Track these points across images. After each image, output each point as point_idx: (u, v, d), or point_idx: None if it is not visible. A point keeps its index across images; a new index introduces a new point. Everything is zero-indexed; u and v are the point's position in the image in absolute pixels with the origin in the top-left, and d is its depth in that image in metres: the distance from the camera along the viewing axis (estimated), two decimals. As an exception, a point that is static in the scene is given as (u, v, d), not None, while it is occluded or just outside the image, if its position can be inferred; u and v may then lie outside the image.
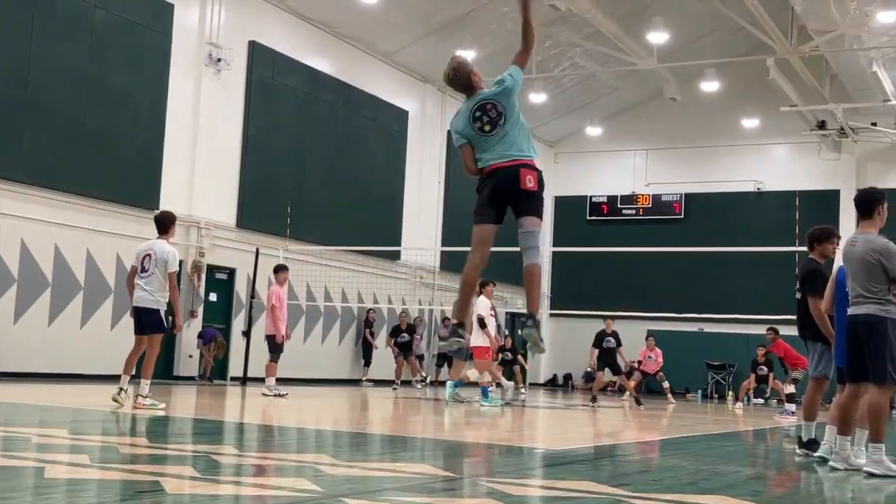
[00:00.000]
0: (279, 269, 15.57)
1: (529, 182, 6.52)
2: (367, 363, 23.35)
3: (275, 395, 14.48)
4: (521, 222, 6.58)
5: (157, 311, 10.70)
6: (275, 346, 15.14)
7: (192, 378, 18.88)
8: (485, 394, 15.68)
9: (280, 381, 15.40)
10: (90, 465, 5.66)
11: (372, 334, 23.37)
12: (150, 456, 6.41)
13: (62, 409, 10.53)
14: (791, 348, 17.92)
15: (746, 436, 12.34)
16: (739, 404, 20.84)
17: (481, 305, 15.67)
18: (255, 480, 5.48)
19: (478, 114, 6.63)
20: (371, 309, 23.40)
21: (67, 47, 17.04)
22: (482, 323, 15.51)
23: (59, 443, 6.94)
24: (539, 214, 6.61)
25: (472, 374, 16.12)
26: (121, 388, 10.59)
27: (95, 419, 9.56)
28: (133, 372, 10.79)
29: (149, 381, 10.58)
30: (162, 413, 10.02)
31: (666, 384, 22.53)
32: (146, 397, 10.42)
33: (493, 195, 6.55)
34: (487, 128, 6.59)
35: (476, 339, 15.74)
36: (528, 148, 6.66)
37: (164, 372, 17.99)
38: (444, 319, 23.01)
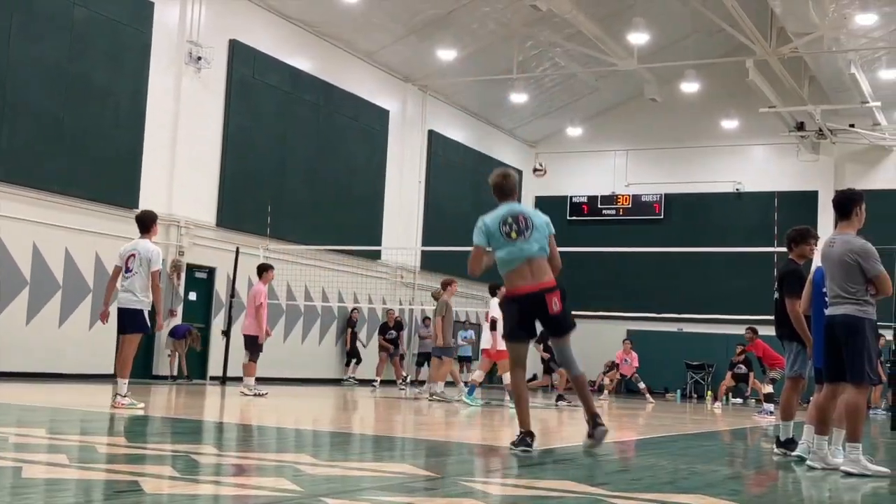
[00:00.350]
0: (267, 269, 15.55)
1: (556, 306, 7.33)
2: (350, 362, 23.31)
3: (254, 395, 14.46)
4: (555, 340, 7.51)
5: (142, 311, 10.69)
6: (256, 346, 15.13)
7: (172, 377, 18.77)
8: (470, 392, 15.78)
9: (259, 380, 15.37)
10: (68, 465, 5.63)
11: (354, 335, 23.34)
12: (129, 456, 6.39)
13: (40, 408, 10.47)
14: (769, 348, 18.01)
15: (725, 435, 12.40)
16: (718, 404, 20.94)
17: (495, 307, 15.68)
18: (235, 480, 5.47)
19: (510, 220, 7.48)
20: (355, 309, 23.41)
21: (46, 45, 16.93)
22: (493, 325, 15.52)
23: (37, 442, 6.90)
24: (569, 328, 7.51)
25: (506, 377, 16.12)
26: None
27: (73, 419, 9.52)
28: (127, 373, 10.76)
29: (126, 380, 10.54)
30: (141, 413, 9.98)
31: (642, 385, 22.65)
32: (125, 396, 10.39)
33: (522, 318, 7.37)
34: (514, 235, 7.44)
35: (486, 340, 15.85)
36: (545, 246, 7.47)
37: (143, 371, 17.91)
38: (425, 319, 23.03)
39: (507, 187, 7.67)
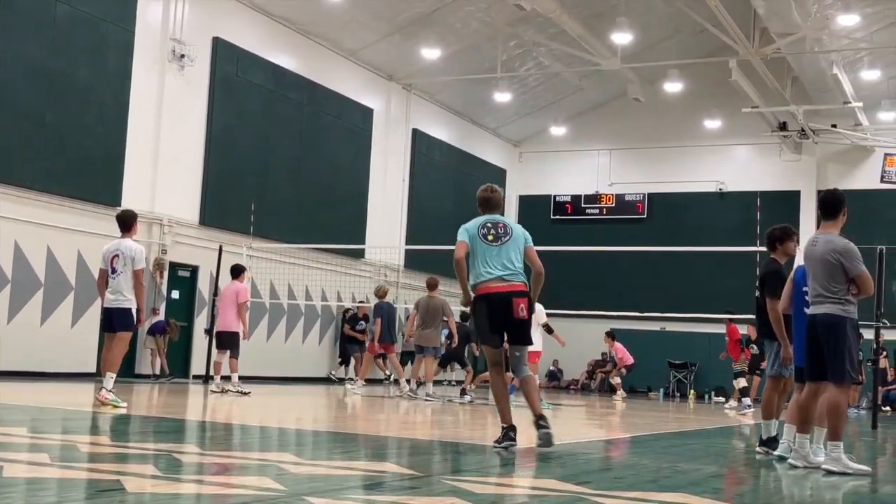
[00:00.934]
0: (244, 269, 15.75)
1: (521, 311, 7.63)
2: (344, 362, 23.24)
3: (238, 393, 14.45)
4: (514, 348, 7.83)
5: (129, 310, 10.76)
6: (238, 343, 15.15)
7: (154, 376, 18.71)
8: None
9: (242, 379, 15.35)
10: (50, 464, 5.61)
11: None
12: (112, 455, 6.36)
13: (21, 407, 10.42)
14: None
15: (707, 434, 12.44)
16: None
17: (542, 312, 15.80)
18: (218, 479, 5.46)
19: (489, 224, 7.88)
20: (348, 309, 23.35)
21: (28, 42, 16.82)
22: (548, 329, 16.54)
23: (19, 441, 6.86)
24: (530, 340, 7.88)
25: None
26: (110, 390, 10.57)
27: (55, 418, 9.48)
28: (116, 370, 10.75)
29: (114, 375, 10.57)
30: (123, 411, 9.95)
31: (617, 380, 22.76)
32: (110, 391, 10.39)
33: (492, 321, 7.69)
34: (491, 237, 7.80)
35: (538, 343, 15.90)
36: (519, 265, 7.79)
37: (126, 370, 17.79)
38: (409, 317, 23.00)
39: (493, 201, 8.12)
